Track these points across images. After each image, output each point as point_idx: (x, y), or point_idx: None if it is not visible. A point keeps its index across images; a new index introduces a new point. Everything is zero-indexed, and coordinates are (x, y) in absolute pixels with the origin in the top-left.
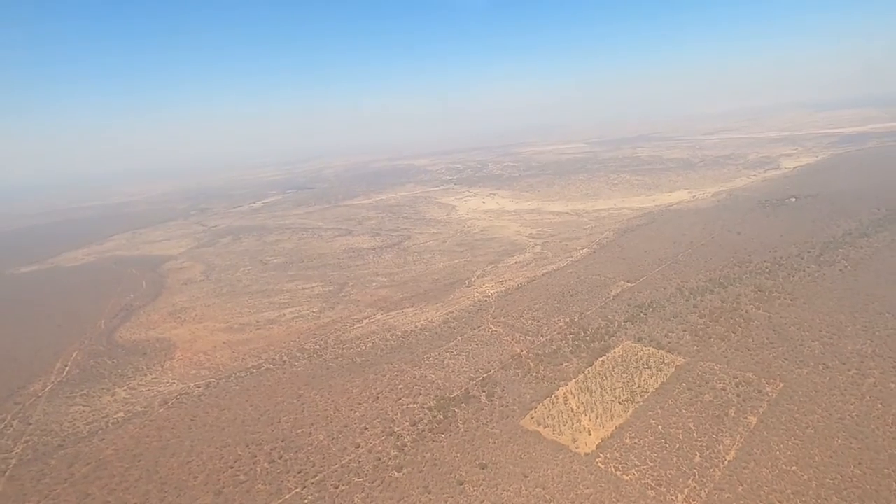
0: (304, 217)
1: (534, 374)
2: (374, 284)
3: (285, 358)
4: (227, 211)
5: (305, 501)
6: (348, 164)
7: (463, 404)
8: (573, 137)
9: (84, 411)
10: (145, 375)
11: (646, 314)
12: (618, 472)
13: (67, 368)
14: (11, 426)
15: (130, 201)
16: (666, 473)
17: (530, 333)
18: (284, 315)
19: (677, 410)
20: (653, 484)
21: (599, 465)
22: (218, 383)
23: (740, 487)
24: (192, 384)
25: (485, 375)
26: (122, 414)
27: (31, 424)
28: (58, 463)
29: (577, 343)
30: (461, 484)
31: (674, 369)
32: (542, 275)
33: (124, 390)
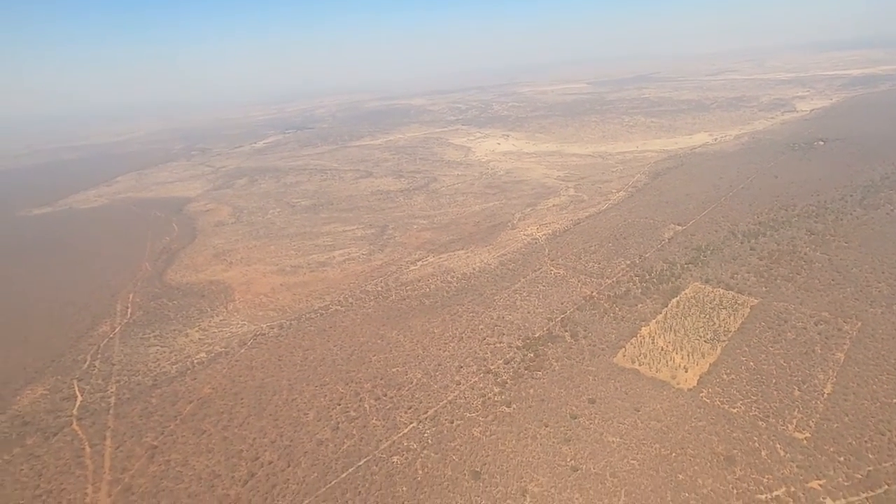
0: (315, 158)
1: (611, 314)
2: (416, 227)
3: (351, 300)
4: (230, 152)
5: (426, 435)
6: (340, 103)
7: (550, 344)
8: (572, 77)
9: (164, 352)
10: (212, 317)
11: (706, 257)
12: (725, 406)
13: (130, 310)
14: (95, 366)
15: (120, 141)
16: (770, 406)
17: (595, 275)
18: (334, 257)
19: (764, 348)
20: (761, 416)
21: (705, 399)
22: (290, 324)
23: (846, 418)
24: (263, 325)
25: (562, 316)
26: (203, 354)
27: (114, 364)
28: (159, 401)
29: (645, 285)
30: (575, 418)
31: (749, 309)
32: (586, 218)
33: (196, 331)
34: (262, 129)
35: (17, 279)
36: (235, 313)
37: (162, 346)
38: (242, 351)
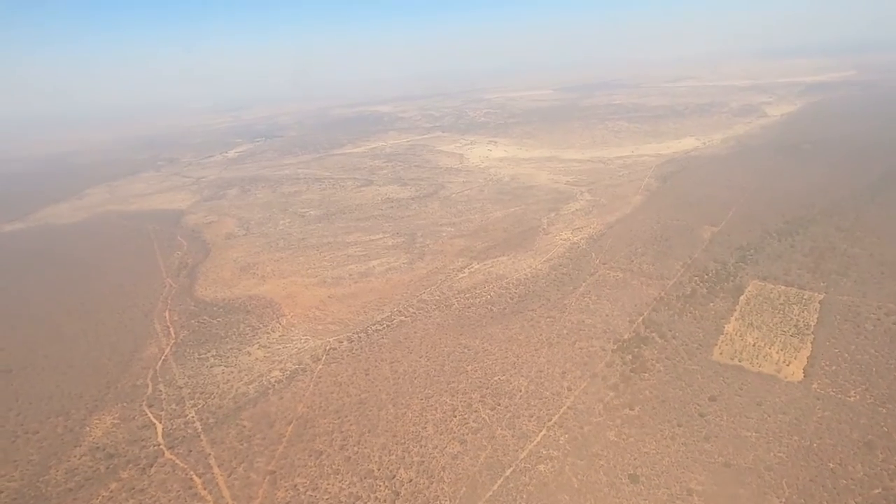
0: (301, 167)
1: (688, 314)
2: (445, 234)
3: (412, 310)
4: (202, 161)
5: (560, 442)
6: (301, 110)
7: (642, 345)
8: (533, 84)
9: (231, 372)
10: (269, 333)
11: (752, 255)
12: (840, 396)
13: (172, 330)
14: (160, 391)
15: (71, 151)
16: (882, 392)
17: (654, 277)
18: (373, 267)
19: (850, 339)
20: (878, 402)
21: (818, 390)
22: (359, 337)
23: None
24: (330, 339)
25: (641, 317)
26: (277, 373)
27: (181, 388)
28: (253, 424)
29: (708, 285)
30: (703, 416)
31: (818, 304)
32: (616, 221)
33: (258, 349)
34: (227, 137)
35: (34, 299)
36: (292, 328)
37: (227, 367)
38: (320, 367)
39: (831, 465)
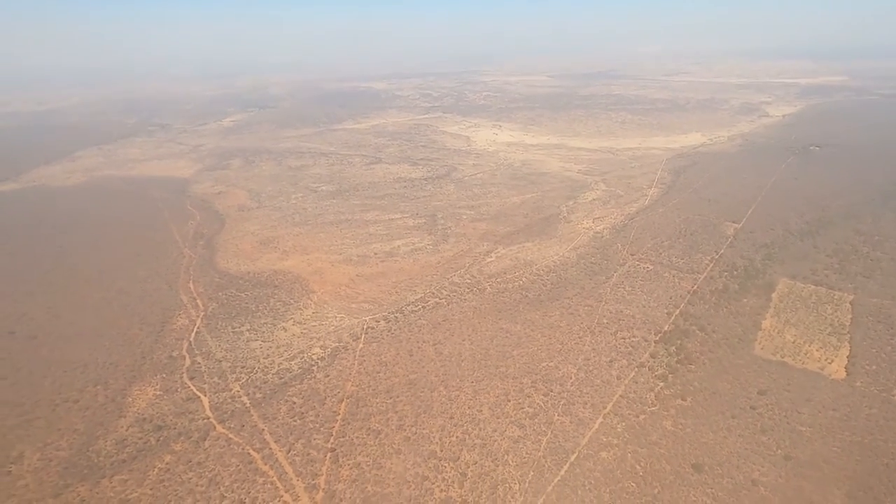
0: (303, 141)
1: (724, 308)
2: (465, 217)
3: (445, 292)
4: (196, 129)
5: (618, 429)
6: (291, 82)
7: (685, 338)
8: (529, 69)
9: (270, 347)
10: (302, 310)
11: (778, 254)
12: (884, 394)
13: (200, 302)
14: (199, 363)
15: (50, 110)
16: None
17: (685, 271)
18: (398, 248)
19: (886, 340)
20: None
21: (862, 388)
22: (395, 318)
23: None
24: (366, 318)
25: (678, 310)
26: (318, 350)
27: (220, 361)
28: (303, 400)
29: (738, 281)
30: (754, 409)
31: (850, 305)
32: (636, 213)
33: (293, 325)
34: (218, 105)
35: (45, 264)
36: (325, 305)
37: (264, 341)
38: (361, 346)
39: (885, 461)
